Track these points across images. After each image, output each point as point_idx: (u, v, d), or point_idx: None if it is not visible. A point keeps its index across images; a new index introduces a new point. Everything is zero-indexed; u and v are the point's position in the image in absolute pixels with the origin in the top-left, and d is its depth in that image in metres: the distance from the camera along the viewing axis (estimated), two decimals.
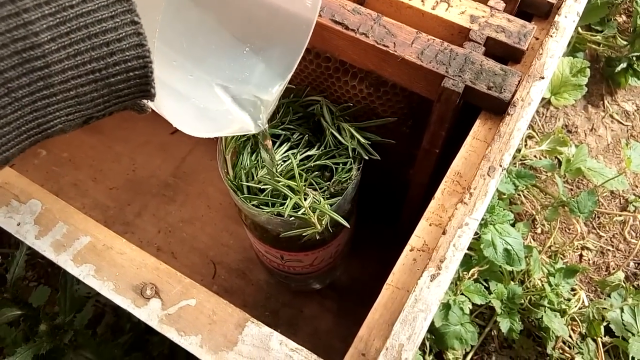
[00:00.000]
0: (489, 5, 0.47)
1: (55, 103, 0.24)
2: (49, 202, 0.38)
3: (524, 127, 0.41)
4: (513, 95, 0.42)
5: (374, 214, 0.71)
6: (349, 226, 0.48)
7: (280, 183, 0.47)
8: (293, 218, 0.47)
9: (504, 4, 0.48)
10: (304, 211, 0.45)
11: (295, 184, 0.47)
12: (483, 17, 0.47)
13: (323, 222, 0.46)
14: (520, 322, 0.80)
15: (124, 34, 0.24)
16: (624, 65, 1.03)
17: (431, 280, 0.35)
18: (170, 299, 0.34)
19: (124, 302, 0.34)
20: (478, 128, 0.43)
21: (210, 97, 0.37)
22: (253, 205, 0.49)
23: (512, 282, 0.84)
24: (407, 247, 0.38)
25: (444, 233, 0.37)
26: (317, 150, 0.51)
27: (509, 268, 0.77)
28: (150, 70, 0.25)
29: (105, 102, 0.26)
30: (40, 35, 0.22)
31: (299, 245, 0.56)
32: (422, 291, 0.34)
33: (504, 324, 0.80)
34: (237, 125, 0.39)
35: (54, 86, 0.23)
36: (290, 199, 0.48)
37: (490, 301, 0.80)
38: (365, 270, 0.78)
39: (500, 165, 0.39)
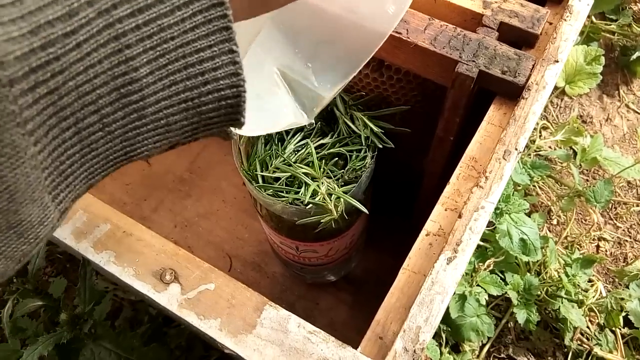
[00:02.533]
0: None
1: (146, 132, 0.23)
2: None
3: (539, 110, 0.41)
4: (527, 79, 0.42)
5: (388, 206, 0.71)
6: (366, 211, 0.48)
7: (298, 170, 0.48)
8: (310, 206, 0.47)
9: None
10: (321, 198, 0.45)
11: (313, 170, 0.47)
12: (496, 2, 0.46)
13: (339, 209, 0.46)
14: (537, 313, 0.79)
15: (220, 62, 0.23)
16: (639, 53, 1.01)
17: (447, 264, 0.35)
18: (189, 284, 0.35)
19: (144, 287, 0.35)
20: (493, 113, 0.43)
21: (267, 84, 0.36)
22: (268, 194, 0.49)
23: (528, 274, 0.83)
24: (423, 232, 0.38)
25: (459, 217, 0.37)
26: (330, 138, 0.51)
27: (525, 259, 0.76)
28: (243, 99, 0.25)
29: (194, 129, 0.25)
30: (140, 69, 0.21)
31: (314, 235, 0.56)
32: (438, 274, 0.35)
33: (521, 315, 0.79)
34: (290, 119, 0.39)
35: (147, 117, 0.23)
36: (308, 185, 0.48)
37: (506, 292, 0.80)
38: (380, 263, 0.78)
39: (516, 149, 0.39)
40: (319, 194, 0.46)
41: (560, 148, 0.94)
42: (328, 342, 0.32)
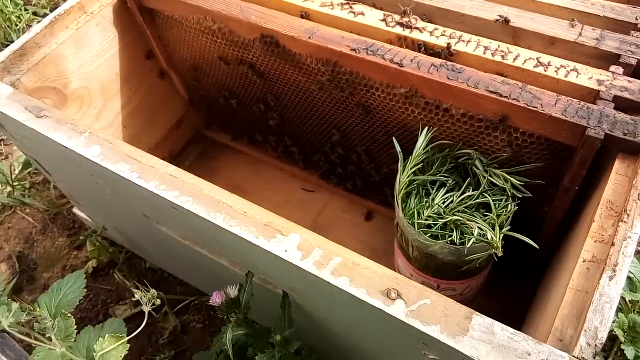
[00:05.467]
0: (610, 71, 0.60)
1: None
2: (304, 234, 0.52)
3: None
4: None
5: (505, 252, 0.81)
6: (536, 245, 0.58)
7: (453, 218, 0.60)
8: (468, 245, 0.58)
9: (623, 69, 0.60)
10: (490, 235, 0.57)
11: (465, 217, 0.59)
12: (607, 80, 0.59)
13: (499, 245, 0.58)
14: None
15: None
16: None
17: (610, 280, 0.45)
18: (410, 300, 0.46)
19: (376, 302, 0.46)
20: (619, 166, 0.55)
21: None
22: (428, 237, 0.61)
23: (631, 313, 0.90)
24: (580, 260, 0.49)
25: (612, 245, 0.47)
26: (475, 191, 0.63)
27: (630, 297, 0.84)
28: None
29: None
30: None
31: (458, 274, 0.67)
32: (604, 288, 0.45)
33: (629, 352, 0.85)
34: None
35: None
36: (459, 228, 0.60)
37: (612, 330, 0.87)
38: (495, 306, 0.87)
39: None
40: (484, 233, 0.57)
41: None
42: (528, 341, 0.43)
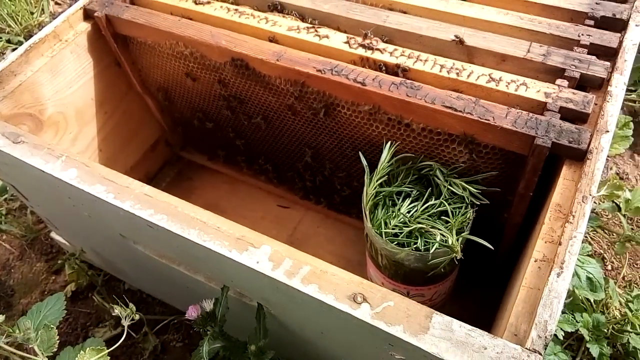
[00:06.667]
0: (556, 84, 0.65)
1: None
2: (275, 245, 0.55)
3: (601, 166, 0.57)
4: (589, 145, 0.58)
5: (468, 259, 0.85)
6: (491, 247, 0.62)
7: (417, 226, 0.63)
8: (431, 250, 0.62)
9: (567, 82, 0.65)
10: (452, 241, 0.60)
11: (428, 224, 0.63)
12: (554, 92, 0.64)
13: (459, 249, 0.61)
14: (608, 347, 0.90)
15: None
16: None
17: (557, 276, 0.49)
18: (375, 302, 0.49)
19: (343, 307, 0.49)
20: (565, 171, 0.59)
21: None
22: (395, 245, 0.65)
23: (594, 313, 0.94)
24: (532, 260, 0.53)
25: (559, 244, 0.51)
26: (436, 200, 0.67)
27: (592, 297, 0.88)
28: None
29: None
30: None
31: (425, 279, 0.70)
32: (552, 284, 0.49)
33: (594, 350, 0.89)
34: None
35: None
36: (423, 235, 0.63)
37: (577, 330, 0.91)
38: (465, 312, 0.91)
39: (590, 194, 0.54)
40: (446, 239, 0.61)
41: (604, 202, 1.08)
42: (484, 336, 0.46)
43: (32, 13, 1.71)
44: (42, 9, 1.72)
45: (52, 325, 0.61)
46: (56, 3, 1.82)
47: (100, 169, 0.64)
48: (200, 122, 1.01)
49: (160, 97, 1.02)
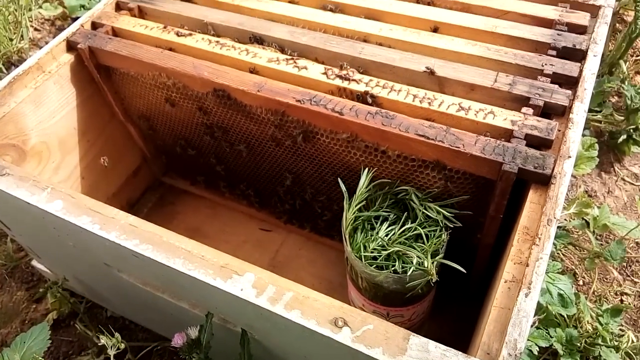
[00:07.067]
0: (522, 112, 0.69)
1: None
2: (258, 272, 0.57)
3: (564, 190, 0.60)
4: (552, 170, 0.62)
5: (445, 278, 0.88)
6: (463, 270, 0.65)
7: (394, 249, 0.66)
8: (409, 273, 0.65)
9: (532, 110, 0.69)
10: (428, 264, 0.63)
11: (405, 248, 0.65)
12: (520, 120, 0.68)
13: (434, 272, 0.64)
14: None
15: None
16: (624, 136, 1.24)
17: (526, 296, 0.52)
18: (355, 326, 0.51)
19: (325, 331, 0.51)
20: (532, 195, 0.62)
21: None
22: (374, 267, 0.67)
23: (567, 328, 0.98)
24: (502, 281, 0.56)
25: (527, 265, 0.54)
26: (412, 223, 0.70)
27: (564, 312, 0.92)
28: None
29: None
30: None
31: (403, 300, 0.73)
32: (521, 304, 0.52)
33: None
34: None
35: None
36: (401, 258, 0.66)
37: (552, 345, 0.94)
38: (443, 329, 0.93)
39: (555, 217, 0.58)
40: (422, 262, 0.64)
41: (574, 219, 1.12)
42: (458, 356, 0.49)
43: (11, 39, 1.71)
44: (22, 36, 1.73)
45: (38, 357, 0.61)
46: (35, 29, 1.83)
47: (85, 200, 0.65)
48: (182, 149, 1.03)
49: (143, 125, 1.04)
